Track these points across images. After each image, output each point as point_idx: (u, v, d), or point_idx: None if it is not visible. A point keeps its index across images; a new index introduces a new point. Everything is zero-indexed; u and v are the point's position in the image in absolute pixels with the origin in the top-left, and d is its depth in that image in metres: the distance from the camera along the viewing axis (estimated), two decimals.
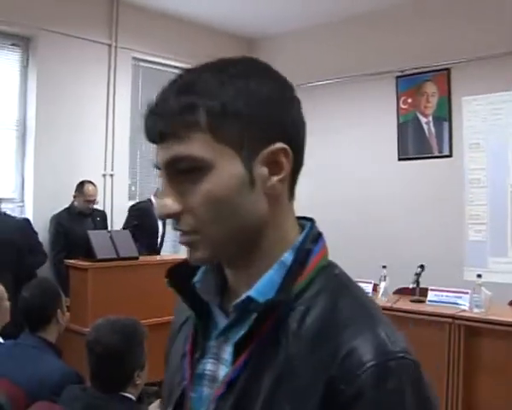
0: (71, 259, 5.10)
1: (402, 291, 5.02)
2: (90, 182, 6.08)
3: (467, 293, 4.44)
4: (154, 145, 1.02)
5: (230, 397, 0.99)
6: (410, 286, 4.78)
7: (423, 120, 6.74)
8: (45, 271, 5.71)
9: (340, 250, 6.52)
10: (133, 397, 2.27)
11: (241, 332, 0.99)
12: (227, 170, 0.98)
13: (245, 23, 7.84)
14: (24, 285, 3.60)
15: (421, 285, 4.81)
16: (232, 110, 0.98)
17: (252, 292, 1.00)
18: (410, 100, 6.84)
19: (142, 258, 5.25)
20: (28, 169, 6.26)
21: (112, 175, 6.86)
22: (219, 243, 1.01)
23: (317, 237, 1.09)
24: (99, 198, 6.29)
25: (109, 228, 6.35)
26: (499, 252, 5.80)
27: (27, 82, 6.29)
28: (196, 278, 1.10)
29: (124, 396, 2.24)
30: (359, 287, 1.07)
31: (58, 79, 6.37)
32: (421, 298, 4.69)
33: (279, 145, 1.02)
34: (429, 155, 6.68)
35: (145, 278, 4.93)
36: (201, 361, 1.07)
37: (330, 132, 7.50)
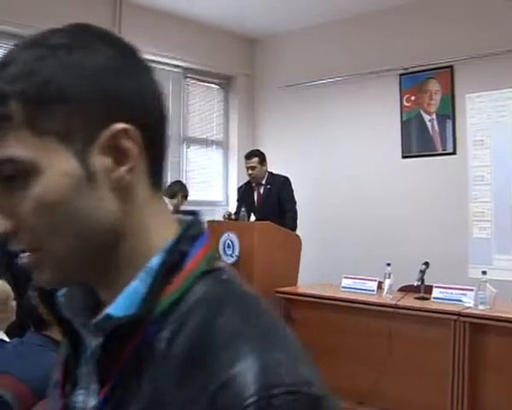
0: None
1: (406, 289, 5.01)
2: None
3: (472, 290, 4.43)
4: None
5: None
6: (415, 283, 4.77)
7: (427, 117, 6.74)
8: None
9: (344, 248, 6.55)
10: None
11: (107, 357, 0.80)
12: (56, 168, 0.78)
13: (248, 23, 7.84)
14: (22, 285, 3.62)
15: (426, 283, 4.80)
16: (52, 92, 0.77)
17: (111, 309, 0.79)
18: (413, 98, 6.84)
19: None
20: None
21: None
22: (66, 258, 0.81)
23: (198, 234, 0.86)
24: None
25: None
26: (504, 249, 5.80)
27: None
28: (62, 291, 0.88)
29: None
30: (254, 296, 0.84)
31: None
32: (426, 295, 4.68)
33: (118, 126, 0.79)
34: (433, 153, 6.67)
35: None
36: (73, 392, 0.87)
37: (334, 130, 7.52)
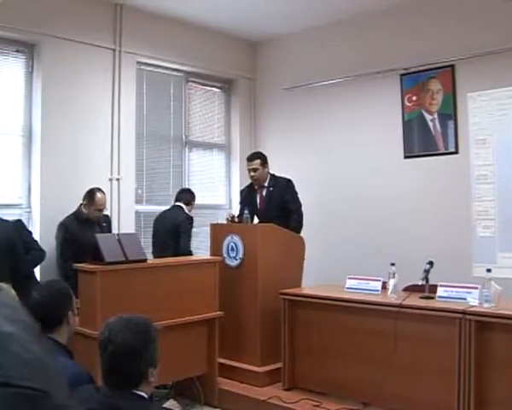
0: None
1: (411, 288, 5.00)
2: (100, 190, 6.05)
3: (476, 288, 4.42)
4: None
5: None
6: (420, 283, 4.76)
7: (428, 117, 6.73)
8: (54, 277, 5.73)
9: (348, 249, 6.57)
10: (146, 395, 2.27)
11: None
12: None
13: (249, 25, 7.85)
14: (22, 289, 3.62)
15: (431, 282, 4.79)
16: None
17: None
18: (414, 98, 6.83)
19: (150, 261, 5.26)
20: (35, 174, 6.27)
21: (118, 179, 6.87)
22: None
23: None
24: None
25: (115, 232, 6.36)
26: (508, 247, 5.80)
27: (32, 88, 6.32)
28: None
29: (137, 394, 2.23)
30: None
31: (63, 84, 6.40)
32: (431, 294, 4.67)
33: None
34: (435, 153, 6.67)
35: (153, 281, 4.93)
36: None
37: (336, 132, 7.53)
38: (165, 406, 2.60)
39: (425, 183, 6.72)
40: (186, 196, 6.71)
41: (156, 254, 6.31)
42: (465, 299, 4.42)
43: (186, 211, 6.49)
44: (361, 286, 5.13)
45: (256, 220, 6.29)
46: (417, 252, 6.13)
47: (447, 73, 6.57)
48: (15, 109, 6.26)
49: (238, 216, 6.05)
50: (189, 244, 6.34)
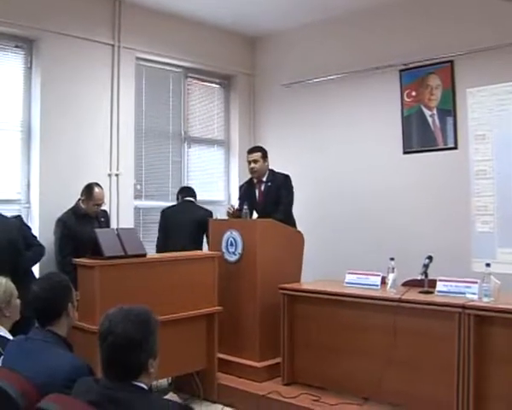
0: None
1: (410, 283, 5.00)
2: (98, 185, 6.06)
3: (476, 282, 4.42)
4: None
5: None
6: (419, 277, 4.75)
7: (428, 112, 6.73)
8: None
9: (347, 244, 6.57)
10: (146, 387, 2.26)
11: None
12: None
13: (248, 21, 7.85)
14: (21, 283, 3.64)
15: (430, 277, 4.79)
16: None
17: None
18: (414, 93, 6.84)
19: (149, 255, 5.26)
20: (34, 170, 6.27)
21: (117, 175, 6.87)
22: None
23: None
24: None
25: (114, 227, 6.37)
26: (507, 243, 5.78)
27: (31, 83, 6.32)
28: None
29: (137, 386, 2.23)
30: None
31: (62, 79, 6.39)
32: (430, 289, 4.67)
33: None
34: (434, 148, 6.67)
35: (153, 276, 4.92)
36: None
37: (335, 128, 7.54)
38: (167, 396, 2.58)
39: (424, 178, 6.72)
40: (192, 192, 6.93)
41: (175, 248, 6.18)
42: (464, 294, 4.41)
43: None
44: (360, 281, 5.12)
45: (255, 215, 6.29)
46: (416, 247, 6.12)
47: (446, 68, 6.57)
48: (14, 105, 6.26)
49: (238, 210, 6.06)
50: None
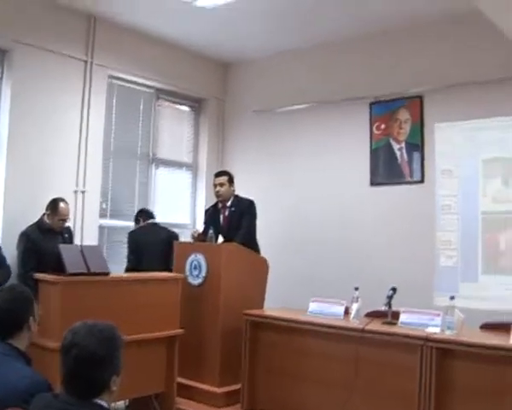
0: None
1: (374, 314, 5.01)
2: (63, 200, 5.98)
3: (439, 315, 4.44)
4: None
5: None
6: (382, 308, 4.76)
7: (396, 146, 6.81)
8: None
9: (313, 271, 6.52)
10: (107, 405, 2.21)
11: None
12: None
13: (221, 47, 7.89)
14: None
15: (393, 309, 4.80)
16: None
17: None
18: (383, 126, 6.92)
19: (113, 274, 5.18)
20: None
21: (83, 192, 6.79)
22: None
23: None
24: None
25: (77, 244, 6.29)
26: (470, 277, 5.85)
27: (1, 94, 6.23)
28: None
29: (98, 404, 2.17)
30: None
31: (32, 92, 6.32)
32: (394, 321, 4.68)
33: None
34: (401, 181, 6.74)
35: (115, 295, 4.85)
36: None
37: (304, 156, 7.59)
38: None
39: (391, 211, 6.78)
40: (152, 214, 6.90)
41: (150, 269, 6.10)
42: (427, 326, 4.43)
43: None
44: (323, 310, 5.11)
45: (221, 240, 6.27)
46: (381, 278, 6.15)
47: (416, 102, 6.67)
48: None
49: (203, 234, 6.03)
50: None
